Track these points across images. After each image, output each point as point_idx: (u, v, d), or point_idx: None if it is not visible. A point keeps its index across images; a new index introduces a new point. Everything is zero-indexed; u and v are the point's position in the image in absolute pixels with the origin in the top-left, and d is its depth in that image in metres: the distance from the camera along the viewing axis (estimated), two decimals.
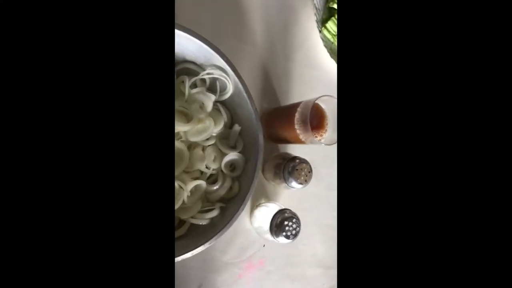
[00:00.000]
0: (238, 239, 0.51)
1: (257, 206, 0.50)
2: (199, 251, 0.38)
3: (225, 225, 0.39)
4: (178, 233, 0.40)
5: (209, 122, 0.41)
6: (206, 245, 0.39)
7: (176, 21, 0.36)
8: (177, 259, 0.37)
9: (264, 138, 0.41)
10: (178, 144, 0.39)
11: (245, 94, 0.41)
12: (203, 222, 0.40)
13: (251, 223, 0.51)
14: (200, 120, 0.40)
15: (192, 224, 0.41)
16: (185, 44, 0.39)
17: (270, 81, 0.53)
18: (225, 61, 0.40)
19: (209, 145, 0.42)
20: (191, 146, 0.41)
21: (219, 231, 0.39)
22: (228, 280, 0.49)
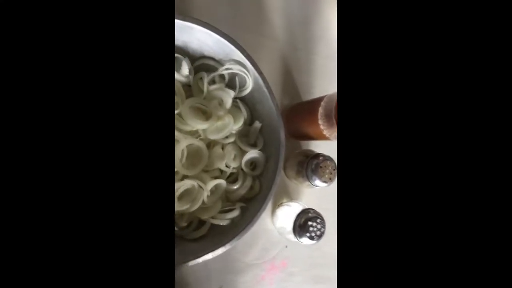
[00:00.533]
0: (259, 239, 0.49)
1: (279, 205, 0.48)
2: (220, 252, 0.37)
3: (246, 225, 0.38)
4: (198, 233, 0.39)
5: (228, 119, 0.39)
6: (227, 246, 0.37)
7: (194, 16, 0.35)
8: (198, 260, 0.36)
9: (286, 135, 0.39)
10: (197, 142, 0.38)
11: (265, 90, 0.39)
12: (224, 223, 0.39)
13: (273, 223, 0.49)
14: (219, 117, 0.39)
15: (212, 225, 0.40)
16: (204, 39, 0.38)
17: (291, 75, 0.51)
18: (244, 55, 0.38)
19: (228, 143, 0.41)
20: (210, 144, 0.40)
21: (240, 232, 0.38)
22: (250, 281, 0.48)
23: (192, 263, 0.36)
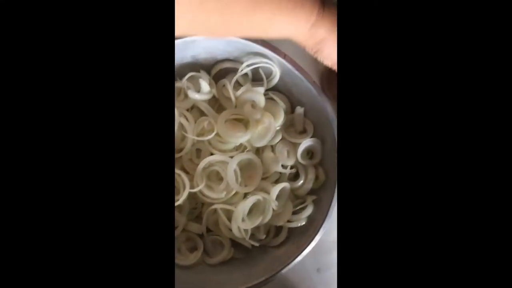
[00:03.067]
0: None
1: None
2: (306, 252, 0.36)
3: (324, 218, 0.36)
4: (279, 240, 0.38)
5: (268, 120, 0.36)
6: (312, 245, 0.36)
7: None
8: (288, 266, 0.35)
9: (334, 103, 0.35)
10: (245, 156, 0.35)
11: (295, 71, 0.35)
12: (301, 223, 0.37)
13: None
14: (258, 122, 0.36)
15: (290, 228, 0.38)
16: (211, 46, 0.34)
17: None
18: (260, 44, 0.34)
19: (277, 142, 0.38)
20: (259, 151, 0.37)
21: (319, 228, 0.36)
22: None
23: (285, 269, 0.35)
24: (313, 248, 0.46)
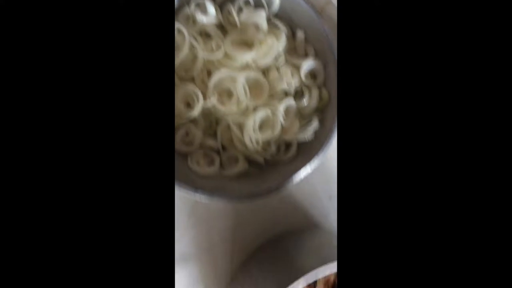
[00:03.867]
0: None
1: None
2: (316, 164, 0.38)
3: (328, 134, 0.38)
4: (289, 154, 0.41)
5: (271, 40, 0.39)
6: (321, 155, 0.38)
7: None
8: (300, 176, 0.38)
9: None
10: (252, 74, 0.39)
11: None
12: (308, 136, 0.40)
13: None
14: (261, 42, 0.39)
15: (299, 145, 0.41)
16: None
17: None
18: None
19: (281, 65, 0.41)
20: (264, 72, 0.40)
21: (325, 142, 0.38)
22: None
23: (295, 181, 0.38)
24: (325, 175, 0.49)
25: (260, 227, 0.45)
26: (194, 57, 0.38)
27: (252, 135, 0.38)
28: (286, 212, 0.46)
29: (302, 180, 0.39)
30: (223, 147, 0.40)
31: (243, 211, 0.45)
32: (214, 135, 0.40)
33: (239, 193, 0.37)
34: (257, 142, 0.38)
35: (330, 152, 0.42)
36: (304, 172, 0.38)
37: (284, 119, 0.39)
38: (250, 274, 0.41)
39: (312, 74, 0.42)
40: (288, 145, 0.41)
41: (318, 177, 0.47)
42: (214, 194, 0.36)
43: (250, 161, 0.41)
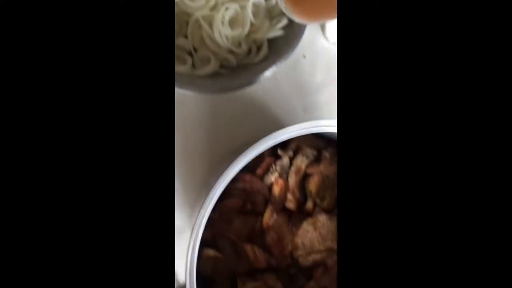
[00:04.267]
0: (320, 61, 0.50)
1: None
2: (287, 60, 0.39)
3: (298, 32, 0.39)
4: (260, 55, 0.41)
5: None
6: (290, 53, 0.39)
7: None
8: (267, 73, 0.39)
9: None
10: None
11: None
12: (278, 33, 0.41)
13: (326, 39, 0.50)
14: None
15: (270, 46, 0.42)
16: None
17: None
18: None
19: None
20: None
21: (296, 39, 0.39)
22: (329, 98, 0.50)
23: (264, 77, 0.39)
24: (299, 89, 0.50)
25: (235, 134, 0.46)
26: None
27: (222, 29, 0.38)
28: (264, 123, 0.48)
29: (270, 79, 0.40)
30: (195, 49, 0.41)
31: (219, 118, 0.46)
32: (185, 37, 0.41)
33: (211, 87, 0.38)
34: (227, 38, 0.39)
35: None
36: (274, 68, 0.39)
37: (254, 18, 0.40)
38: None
39: None
40: (259, 47, 0.42)
41: (290, 88, 0.49)
42: (185, 86, 0.37)
43: (222, 64, 0.41)
